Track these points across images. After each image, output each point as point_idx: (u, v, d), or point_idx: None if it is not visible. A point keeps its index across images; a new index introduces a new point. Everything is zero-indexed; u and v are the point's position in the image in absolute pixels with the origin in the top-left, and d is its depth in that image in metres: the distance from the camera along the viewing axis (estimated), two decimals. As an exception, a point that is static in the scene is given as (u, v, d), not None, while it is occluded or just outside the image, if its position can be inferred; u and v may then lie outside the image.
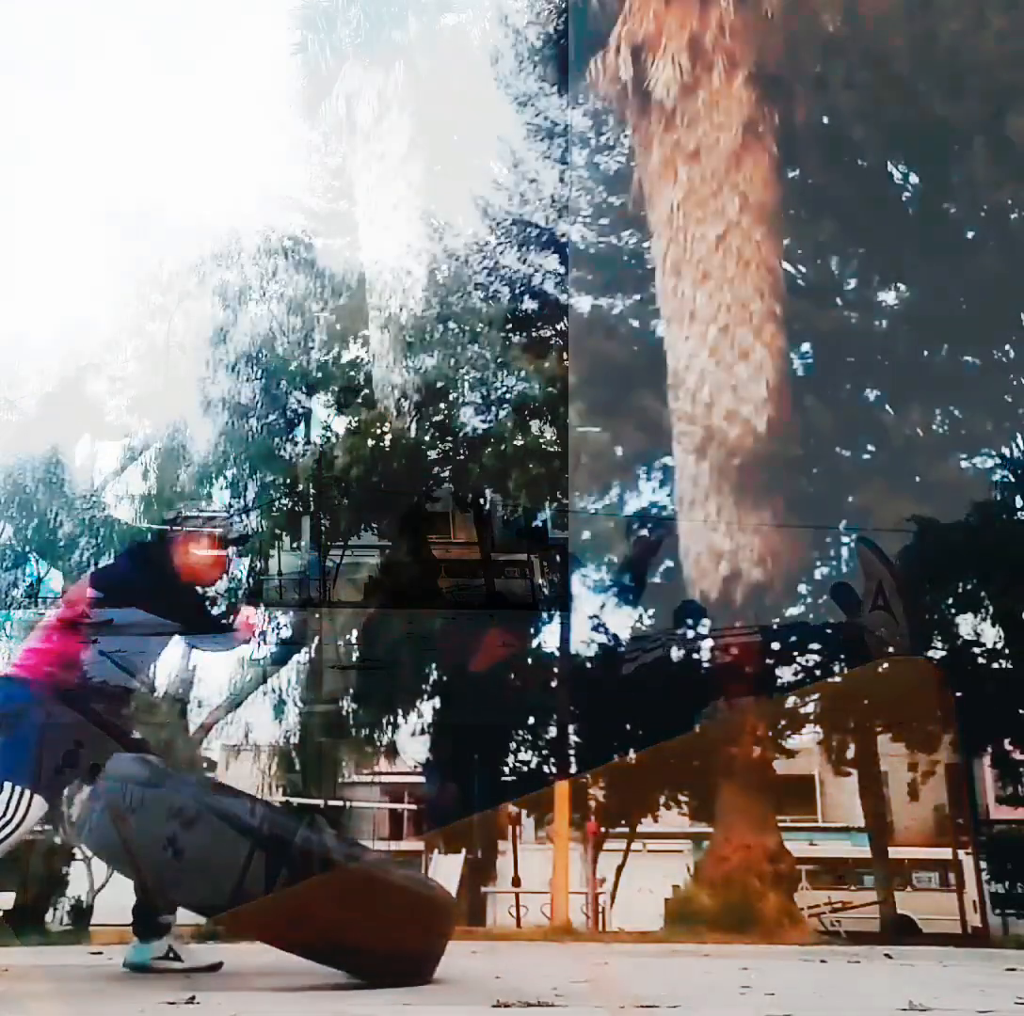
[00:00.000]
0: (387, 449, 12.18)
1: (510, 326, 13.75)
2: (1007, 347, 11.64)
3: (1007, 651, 12.64)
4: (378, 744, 15.16)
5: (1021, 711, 12.48)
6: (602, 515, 14.94)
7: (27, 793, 3.27)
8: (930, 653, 13.10)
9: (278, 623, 14.08)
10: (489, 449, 12.36)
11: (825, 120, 11.26)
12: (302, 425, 13.40)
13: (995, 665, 12.80)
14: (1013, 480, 12.02)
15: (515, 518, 12.89)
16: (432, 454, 12.86)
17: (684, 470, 10.99)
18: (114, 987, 3.03)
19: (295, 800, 16.02)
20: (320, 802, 15.80)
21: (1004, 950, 8.51)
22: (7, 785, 3.28)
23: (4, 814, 3.26)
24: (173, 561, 3.65)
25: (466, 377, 13.15)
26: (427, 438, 12.87)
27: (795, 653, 14.25)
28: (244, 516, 13.08)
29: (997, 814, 18.40)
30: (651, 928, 10.39)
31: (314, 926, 2.80)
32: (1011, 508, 11.98)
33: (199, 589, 3.77)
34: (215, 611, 4.23)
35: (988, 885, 16.18)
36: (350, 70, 14.81)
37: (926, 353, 11.63)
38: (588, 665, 14.75)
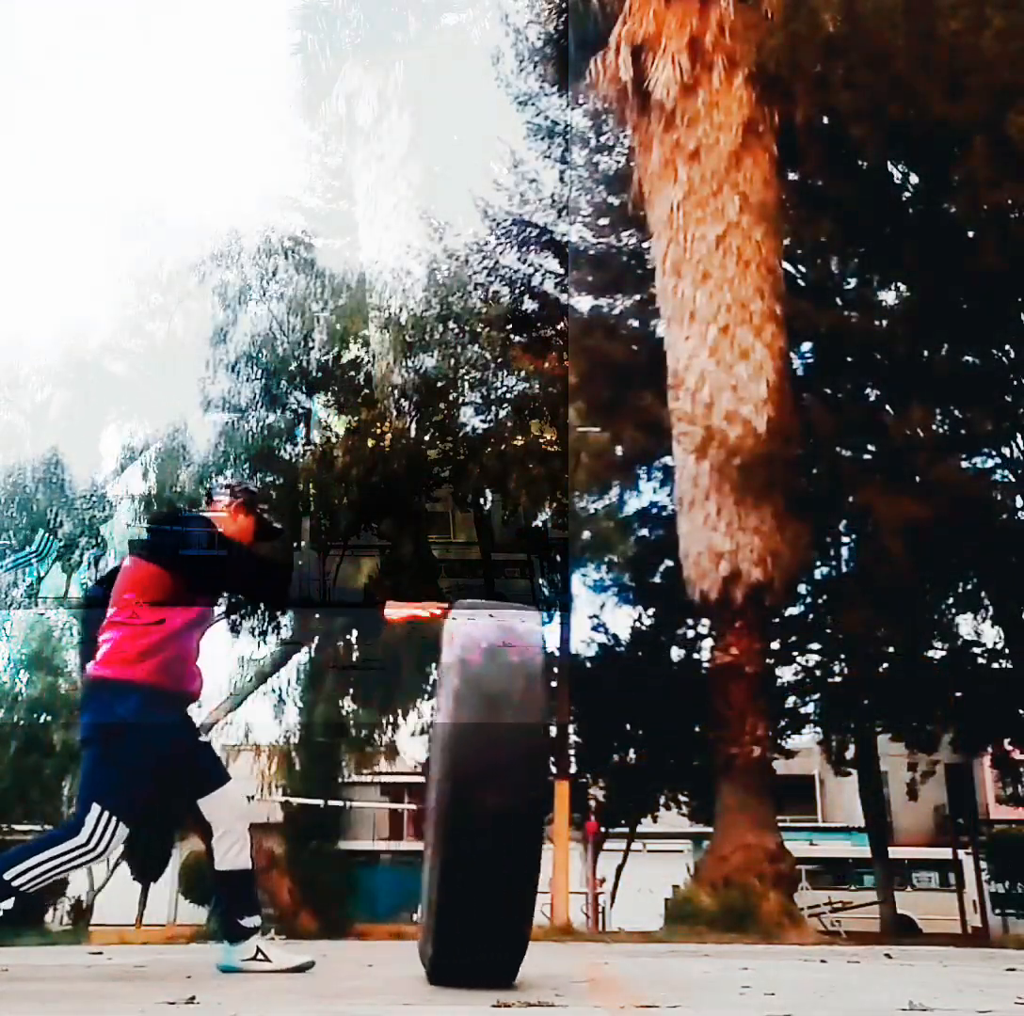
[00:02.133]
0: (387, 449, 12.17)
1: (510, 326, 13.75)
2: (1007, 347, 11.64)
3: (1007, 651, 12.64)
4: (378, 744, 15.17)
5: (1021, 711, 12.48)
6: (602, 515, 14.95)
7: (115, 822, 2.96)
8: (930, 653, 13.11)
9: (278, 623, 14.08)
10: (489, 449, 12.36)
11: (825, 120, 11.26)
12: (302, 425, 13.41)
13: (995, 665, 12.80)
14: (1013, 480, 12.02)
15: (515, 518, 12.88)
16: (432, 454, 12.86)
17: (684, 470, 10.99)
18: (114, 987, 3.03)
19: (295, 800, 16.04)
20: (320, 802, 15.81)
21: (1004, 950, 8.51)
22: (96, 808, 2.95)
23: (86, 842, 2.93)
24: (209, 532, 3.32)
25: (466, 377, 13.15)
26: (427, 438, 12.87)
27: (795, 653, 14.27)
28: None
29: (997, 814, 18.41)
30: (651, 928, 10.39)
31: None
32: (1011, 508, 11.98)
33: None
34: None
35: (988, 885, 16.18)
36: (350, 70, 14.81)
37: (926, 353, 11.63)
38: (588, 665, 14.76)
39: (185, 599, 3.19)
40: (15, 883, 2.89)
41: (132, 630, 3.13)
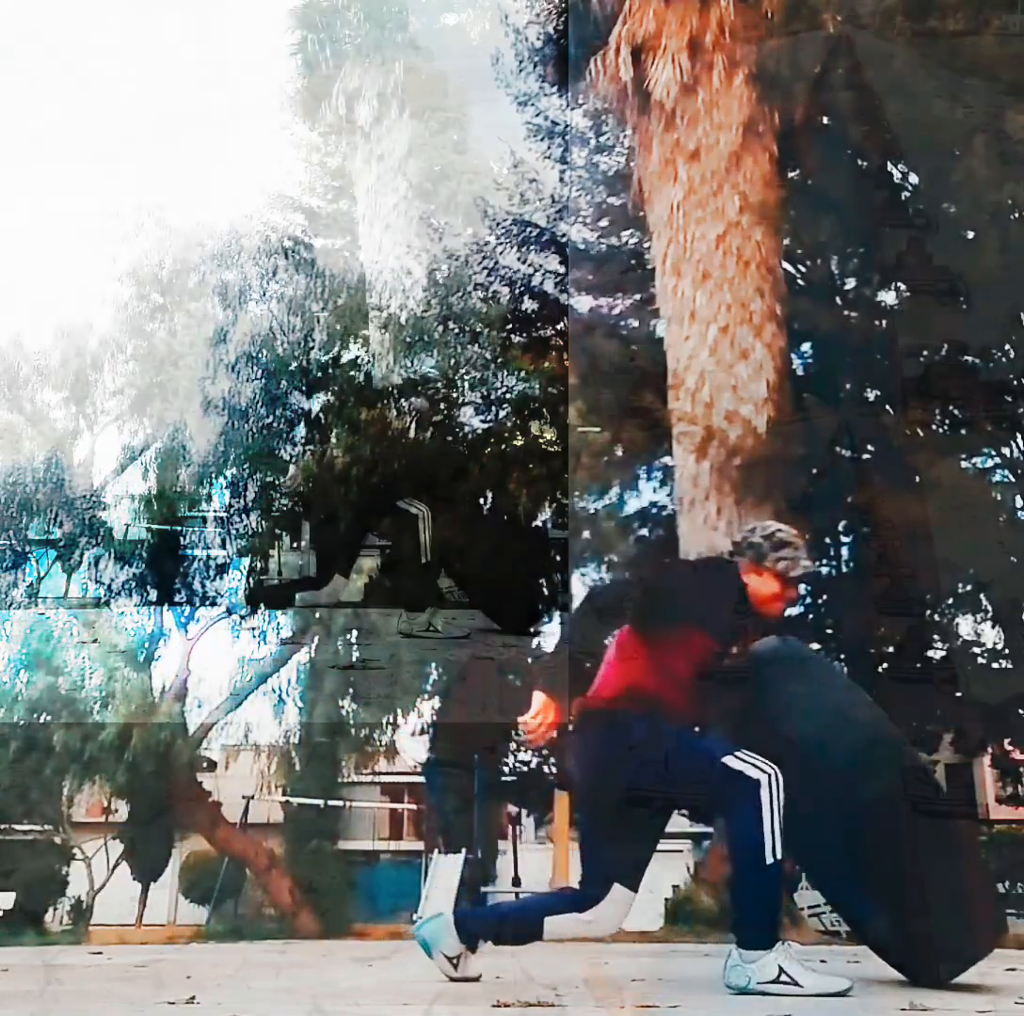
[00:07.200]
0: (387, 449, 12.18)
1: (510, 326, 13.75)
2: (1007, 347, 11.63)
3: (1007, 651, 12.63)
4: (378, 744, 15.18)
5: (1021, 711, 12.47)
6: (602, 515, 14.94)
7: None
8: (930, 653, 13.10)
9: (278, 623, 14.08)
10: (489, 449, 12.37)
11: (825, 120, 11.25)
12: (302, 425, 13.41)
13: (995, 665, 12.78)
14: (1013, 480, 12.01)
15: (515, 518, 12.88)
16: (432, 454, 12.86)
17: (684, 470, 10.97)
18: (114, 987, 3.04)
19: (295, 800, 16.03)
20: (320, 802, 15.81)
21: (1004, 950, 8.49)
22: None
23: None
24: (734, 584, 3.32)
25: (466, 377, 13.15)
26: (427, 438, 12.88)
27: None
28: (244, 516, 13.08)
29: (997, 814, 18.40)
30: (651, 928, 10.39)
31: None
32: (1011, 508, 11.97)
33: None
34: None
35: (988, 885, 16.15)
36: (350, 70, 14.82)
37: (926, 353, 11.62)
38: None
39: None
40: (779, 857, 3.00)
41: None
